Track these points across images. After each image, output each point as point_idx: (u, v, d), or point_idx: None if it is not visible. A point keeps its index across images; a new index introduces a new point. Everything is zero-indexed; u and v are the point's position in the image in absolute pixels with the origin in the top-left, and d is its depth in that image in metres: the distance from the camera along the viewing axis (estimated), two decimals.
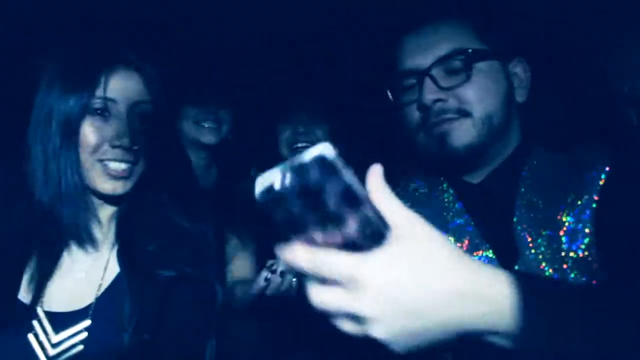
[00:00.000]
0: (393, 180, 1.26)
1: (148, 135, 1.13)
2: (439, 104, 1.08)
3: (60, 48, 1.14)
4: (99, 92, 1.08)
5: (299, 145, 1.82)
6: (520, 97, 1.15)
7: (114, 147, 1.08)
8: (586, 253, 0.98)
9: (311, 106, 1.84)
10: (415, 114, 1.12)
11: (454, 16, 1.13)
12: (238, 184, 1.95)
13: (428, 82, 1.08)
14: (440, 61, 1.08)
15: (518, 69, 1.15)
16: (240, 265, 1.78)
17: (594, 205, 1.00)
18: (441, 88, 1.08)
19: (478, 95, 1.08)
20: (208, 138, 1.83)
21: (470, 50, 1.08)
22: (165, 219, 1.15)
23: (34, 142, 1.10)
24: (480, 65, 1.09)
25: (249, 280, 1.76)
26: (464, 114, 1.07)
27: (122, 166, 1.09)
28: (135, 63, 1.13)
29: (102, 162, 1.08)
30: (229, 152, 1.93)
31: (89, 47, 1.14)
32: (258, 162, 1.97)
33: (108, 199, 1.14)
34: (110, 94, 1.09)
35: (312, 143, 1.82)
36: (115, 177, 1.09)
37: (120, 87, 1.10)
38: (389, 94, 1.17)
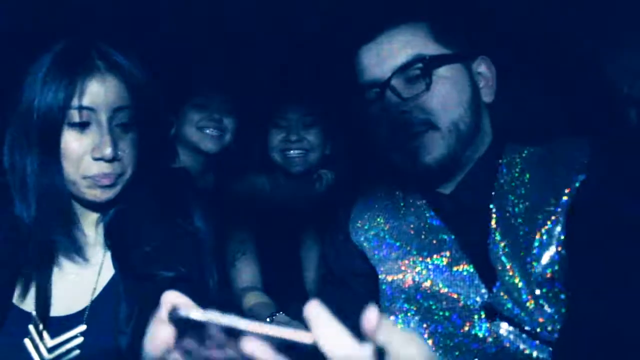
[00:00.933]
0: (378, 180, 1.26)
1: (133, 142, 1.09)
2: (403, 117, 1.05)
3: (39, 55, 1.09)
4: (75, 102, 1.03)
5: (291, 152, 1.82)
6: (487, 96, 1.12)
7: (95, 159, 1.04)
8: (555, 275, 0.95)
9: (303, 112, 1.84)
10: (382, 127, 1.09)
11: (409, 22, 1.08)
12: (236, 184, 1.94)
13: (389, 94, 1.06)
14: (399, 71, 1.05)
15: (482, 68, 1.12)
16: (244, 269, 1.78)
17: (564, 220, 0.96)
18: (403, 99, 1.05)
19: (441, 103, 1.05)
20: (209, 146, 1.81)
21: (427, 57, 1.05)
22: (159, 219, 1.13)
23: (12, 155, 1.08)
24: (440, 71, 1.06)
25: (257, 288, 1.75)
26: (431, 126, 1.05)
27: (108, 178, 1.06)
28: (114, 65, 1.07)
29: (86, 178, 1.05)
30: (226, 157, 1.92)
31: (64, 52, 1.08)
32: (256, 165, 1.97)
33: (93, 205, 1.12)
34: (88, 102, 1.04)
35: (304, 149, 1.82)
36: (101, 186, 1.06)
37: (99, 93, 1.04)
38: (357, 109, 1.15)
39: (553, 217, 0.98)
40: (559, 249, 0.96)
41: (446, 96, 1.05)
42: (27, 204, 1.06)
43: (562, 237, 0.96)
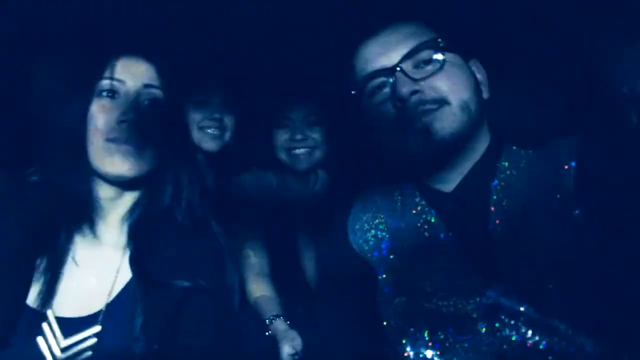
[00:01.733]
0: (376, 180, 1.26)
1: (157, 123, 1.12)
2: (415, 96, 1.06)
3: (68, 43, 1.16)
4: (107, 73, 1.10)
5: (296, 151, 1.85)
6: (484, 93, 1.15)
7: (120, 122, 1.08)
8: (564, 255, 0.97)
9: (306, 111, 1.86)
10: (390, 112, 1.10)
11: (410, 19, 1.13)
12: (243, 179, 1.94)
13: (400, 76, 1.07)
14: (408, 56, 1.08)
15: (475, 69, 1.15)
16: (251, 262, 1.78)
17: (572, 200, 0.99)
18: (414, 80, 1.07)
19: (452, 82, 1.07)
20: (210, 145, 1.81)
21: (440, 40, 1.08)
22: (181, 226, 1.14)
23: (48, 129, 1.10)
24: (449, 55, 1.09)
25: (264, 275, 1.75)
26: (443, 102, 1.06)
27: (130, 144, 1.08)
28: (145, 51, 1.15)
29: (109, 141, 1.08)
30: (228, 156, 1.93)
31: (99, 37, 1.16)
32: (258, 162, 1.97)
33: (116, 184, 1.13)
34: (118, 75, 1.11)
35: (310, 147, 1.85)
36: (122, 154, 1.08)
37: (129, 69, 1.12)
38: (359, 99, 1.15)
39: (558, 200, 1.00)
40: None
41: (456, 77, 1.08)
42: (63, 173, 1.08)
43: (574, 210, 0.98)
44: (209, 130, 1.81)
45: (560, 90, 1.75)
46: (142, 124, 1.09)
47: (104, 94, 1.10)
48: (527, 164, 1.07)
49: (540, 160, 1.07)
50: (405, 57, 1.08)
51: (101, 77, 1.10)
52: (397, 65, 1.08)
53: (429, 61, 1.08)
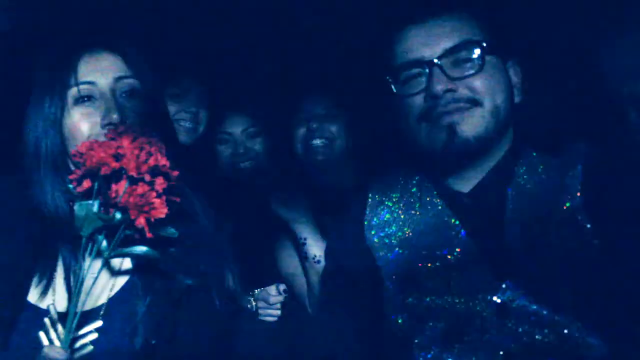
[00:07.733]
0: (394, 176, 1.26)
1: (138, 109, 1.10)
2: (449, 94, 1.07)
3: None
4: (72, 81, 1.06)
5: (314, 142, 1.82)
6: (516, 97, 1.16)
7: (104, 126, 1.05)
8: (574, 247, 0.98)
9: (324, 102, 1.85)
10: (419, 105, 1.11)
11: (457, 11, 1.13)
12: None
13: (437, 72, 1.08)
14: (450, 52, 1.08)
15: (512, 71, 1.15)
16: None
17: (579, 204, 1.01)
18: (451, 78, 1.07)
19: (489, 85, 1.08)
20: (183, 138, 1.79)
21: (484, 42, 1.08)
22: (181, 222, 1.13)
23: (29, 146, 1.09)
24: (489, 57, 1.09)
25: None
26: (475, 103, 1.07)
27: None
28: (105, 43, 1.11)
29: None
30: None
31: (56, 42, 1.11)
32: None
33: None
34: (86, 78, 1.07)
35: (327, 139, 1.82)
36: None
37: (94, 68, 1.08)
38: (392, 85, 1.15)
39: (567, 205, 1.01)
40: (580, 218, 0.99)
41: (494, 80, 1.09)
42: (43, 190, 1.07)
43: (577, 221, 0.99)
44: (183, 123, 1.80)
45: (569, 92, 1.76)
46: (124, 121, 1.06)
47: (80, 101, 1.07)
48: (543, 170, 1.09)
49: (555, 166, 1.08)
50: (447, 53, 1.08)
51: (69, 86, 1.06)
52: (436, 59, 1.08)
53: (471, 60, 1.08)
